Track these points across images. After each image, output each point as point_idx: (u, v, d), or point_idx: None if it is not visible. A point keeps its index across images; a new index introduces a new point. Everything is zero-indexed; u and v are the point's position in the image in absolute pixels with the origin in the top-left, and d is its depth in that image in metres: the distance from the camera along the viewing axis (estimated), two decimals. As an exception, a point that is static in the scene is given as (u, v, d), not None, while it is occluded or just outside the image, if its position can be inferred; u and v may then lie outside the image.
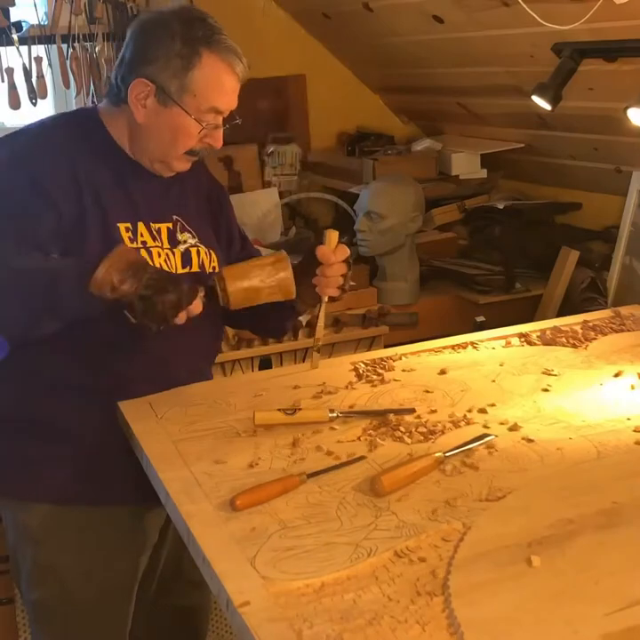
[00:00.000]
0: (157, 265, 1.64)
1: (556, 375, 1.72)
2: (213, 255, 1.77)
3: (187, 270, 1.71)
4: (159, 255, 1.67)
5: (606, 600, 1.02)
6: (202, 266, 1.74)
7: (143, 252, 1.63)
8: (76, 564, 1.72)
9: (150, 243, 1.66)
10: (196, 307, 1.56)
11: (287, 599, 1.04)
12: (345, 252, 1.71)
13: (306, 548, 1.15)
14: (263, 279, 1.62)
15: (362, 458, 1.40)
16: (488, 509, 1.24)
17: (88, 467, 1.69)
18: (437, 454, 1.37)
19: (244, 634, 0.99)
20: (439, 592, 1.04)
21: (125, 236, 1.62)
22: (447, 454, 1.37)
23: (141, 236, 1.65)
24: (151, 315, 1.49)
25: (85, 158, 1.63)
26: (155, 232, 1.68)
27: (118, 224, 1.62)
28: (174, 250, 1.70)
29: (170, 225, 1.72)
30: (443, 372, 1.77)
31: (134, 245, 1.63)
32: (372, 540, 1.16)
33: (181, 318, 1.53)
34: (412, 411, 1.57)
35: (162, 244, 1.69)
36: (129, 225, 1.64)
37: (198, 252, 1.74)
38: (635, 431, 1.48)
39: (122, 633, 1.82)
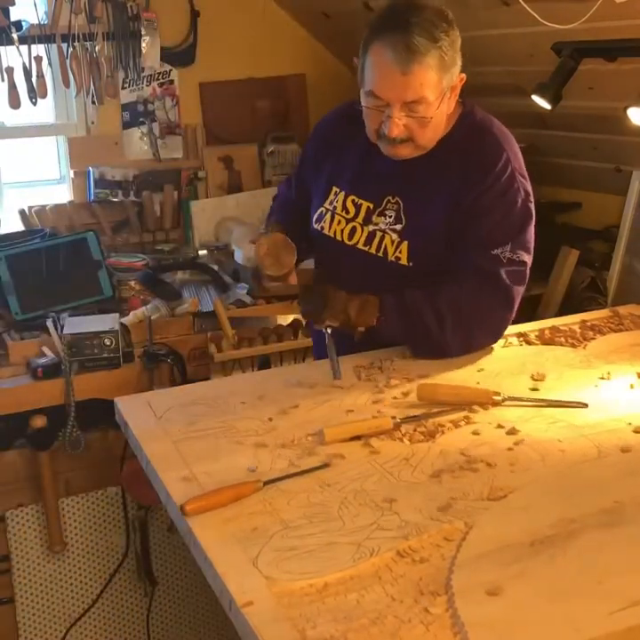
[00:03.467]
0: (332, 231, 1.89)
1: (540, 381, 1.71)
2: (405, 245, 1.80)
3: (366, 249, 1.85)
4: (339, 223, 1.88)
5: (609, 599, 1.01)
6: (385, 252, 1.82)
7: (327, 216, 1.90)
8: None
9: (339, 210, 1.89)
10: None
11: (290, 599, 1.04)
12: None
13: (308, 548, 1.15)
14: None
15: (326, 465, 1.38)
16: (490, 509, 1.24)
17: None
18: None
19: (248, 634, 0.99)
20: (442, 592, 1.04)
21: (330, 198, 1.90)
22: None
23: (336, 202, 1.89)
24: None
25: (350, 131, 1.86)
26: (352, 205, 1.87)
27: (334, 187, 1.90)
28: (365, 227, 1.86)
29: (371, 204, 1.86)
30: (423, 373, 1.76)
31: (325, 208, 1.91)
32: (375, 539, 1.16)
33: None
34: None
35: (355, 217, 1.87)
36: (338, 190, 1.89)
37: (383, 237, 1.82)
38: (635, 432, 1.47)
39: None
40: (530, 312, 2.81)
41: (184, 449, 1.45)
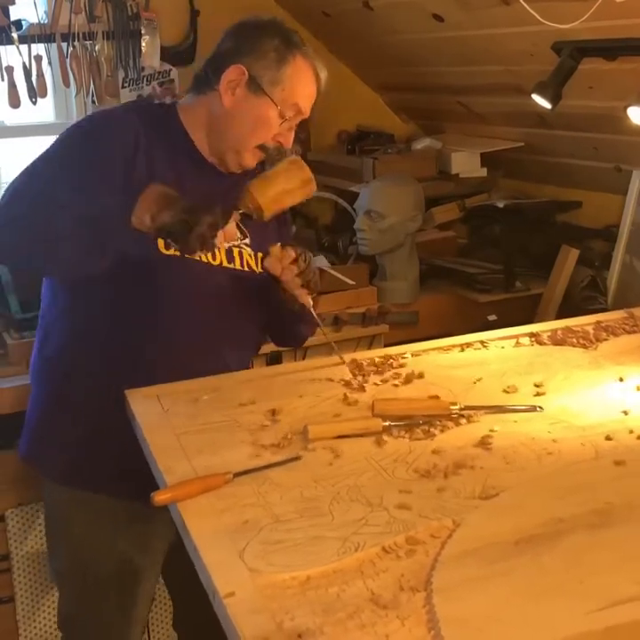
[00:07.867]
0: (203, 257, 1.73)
1: (541, 393, 1.67)
2: (262, 256, 1.78)
3: (231, 266, 1.77)
4: None
5: (589, 599, 1.00)
6: (248, 266, 1.79)
7: None
8: (70, 543, 1.82)
9: None
10: (231, 229, 1.58)
11: (272, 591, 1.04)
12: (289, 255, 1.70)
13: (295, 542, 1.15)
14: (286, 182, 1.65)
15: (297, 458, 1.38)
16: (480, 507, 1.23)
17: (88, 451, 1.74)
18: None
19: (227, 624, 0.99)
20: (422, 588, 1.04)
21: None
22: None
23: None
24: (192, 238, 1.50)
25: (149, 139, 1.69)
26: None
27: None
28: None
29: None
30: (450, 370, 1.75)
31: None
32: (361, 535, 1.16)
33: (220, 240, 1.54)
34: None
35: None
36: None
37: (241, 252, 1.78)
38: (633, 433, 1.46)
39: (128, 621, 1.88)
40: (530, 311, 2.81)
41: (186, 442, 1.46)
